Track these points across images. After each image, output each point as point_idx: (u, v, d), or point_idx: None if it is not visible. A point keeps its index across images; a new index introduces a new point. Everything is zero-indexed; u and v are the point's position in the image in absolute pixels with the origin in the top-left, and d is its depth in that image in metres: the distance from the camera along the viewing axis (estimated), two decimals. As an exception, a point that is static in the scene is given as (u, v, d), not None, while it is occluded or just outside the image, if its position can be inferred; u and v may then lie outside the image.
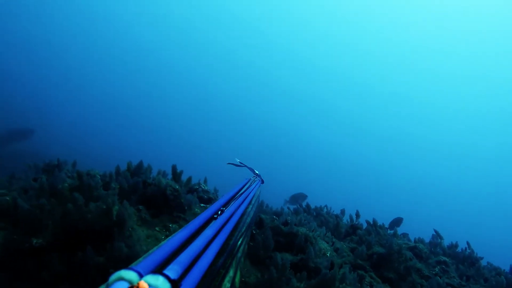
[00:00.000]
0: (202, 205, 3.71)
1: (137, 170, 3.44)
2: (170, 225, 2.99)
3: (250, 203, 1.57)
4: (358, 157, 40.26)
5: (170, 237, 0.69)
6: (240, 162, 3.50)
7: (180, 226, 3.01)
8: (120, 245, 2.27)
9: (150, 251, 0.60)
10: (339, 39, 41.92)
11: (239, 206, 1.25)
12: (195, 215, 3.27)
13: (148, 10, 37.76)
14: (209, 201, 4.19)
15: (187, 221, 3.08)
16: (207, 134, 37.48)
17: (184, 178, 3.49)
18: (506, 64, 37.04)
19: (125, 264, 2.35)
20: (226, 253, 0.89)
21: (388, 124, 41.83)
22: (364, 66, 42.12)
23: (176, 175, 3.31)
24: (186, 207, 3.20)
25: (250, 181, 2.15)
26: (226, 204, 1.18)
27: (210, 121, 38.89)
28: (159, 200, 3.10)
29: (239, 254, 1.04)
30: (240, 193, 1.51)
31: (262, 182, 2.83)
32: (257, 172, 3.00)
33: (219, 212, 1.03)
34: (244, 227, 1.24)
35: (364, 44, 41.59)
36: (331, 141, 41.57)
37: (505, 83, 37.36)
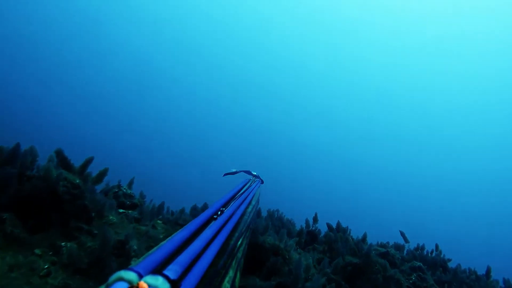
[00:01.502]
0: (121, 210, 2.57)
1: (12, 158, 2.15)
2: (63, 244, 1.82)
3: (250, 203, 1.53)
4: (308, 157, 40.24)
5: (170, 237, 0.66)
6: (235, 170, 3.59)
7: (80, 243, 1.86)
8: None
9: (150, 251, 0.57)
10: (335, 42, 40.78)
11: (239, 206, 1.22)
12: (109, 225, 2.14)
13: (136, 12, 34.36)
14: (132, 208, 3.05)
15: (93, 235, 1.95)
16: (196, 137, 35.51)
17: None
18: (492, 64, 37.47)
19: None
20: (226, 253, 0.84)
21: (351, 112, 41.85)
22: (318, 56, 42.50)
23: (69, 164, 2.15)
24: (93, 214, 2.06)
25: (250, 182, 2.06)
26: (226, 204, 1.15)
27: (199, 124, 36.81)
28: (45, 202, 1.91)
29: (239, 255, 0.98)
30: (240, 193, 1.50)
31: (262, 182, 2.75)
32: (254, 173, 2.95)
33: (219, 213, 1.00)
34: (244, 227, 1.18)
35: (361, 46, 40.41)
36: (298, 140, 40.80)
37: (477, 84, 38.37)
